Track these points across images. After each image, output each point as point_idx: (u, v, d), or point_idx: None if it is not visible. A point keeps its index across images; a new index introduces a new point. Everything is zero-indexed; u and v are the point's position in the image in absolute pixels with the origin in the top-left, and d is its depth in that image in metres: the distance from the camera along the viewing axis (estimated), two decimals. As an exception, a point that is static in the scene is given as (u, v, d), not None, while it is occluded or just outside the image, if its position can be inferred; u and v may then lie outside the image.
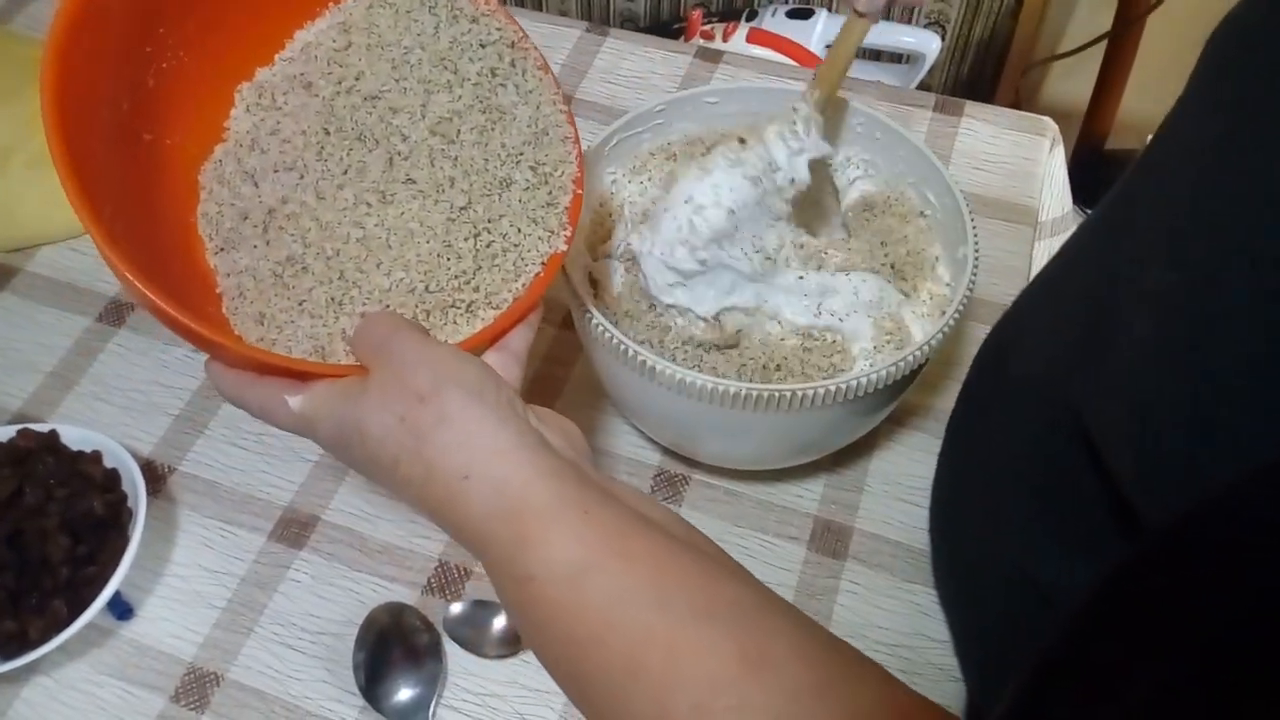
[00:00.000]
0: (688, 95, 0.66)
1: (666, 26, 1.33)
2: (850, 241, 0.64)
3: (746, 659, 0.35)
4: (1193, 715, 0.22)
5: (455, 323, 0.51)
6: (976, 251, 0.58)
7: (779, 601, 0.38)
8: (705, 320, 0.59)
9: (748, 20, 1.21)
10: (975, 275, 0.57)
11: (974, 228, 0.59)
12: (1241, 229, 0.34)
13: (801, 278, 0.60)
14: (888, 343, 0.59)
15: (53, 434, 0.62)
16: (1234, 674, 0.22)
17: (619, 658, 0.36)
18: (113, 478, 0.61)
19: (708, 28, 1.22)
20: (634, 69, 0.88)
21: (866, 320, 0.59)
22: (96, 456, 0.62)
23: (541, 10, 1.00)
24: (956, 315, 0.55)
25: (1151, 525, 0.36)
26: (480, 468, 0.39)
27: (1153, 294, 0.39)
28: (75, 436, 0.62)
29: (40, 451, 0.61)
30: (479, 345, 0.49)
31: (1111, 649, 0.25)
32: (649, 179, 0.66)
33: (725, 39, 1.20)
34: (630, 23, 1.37)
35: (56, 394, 0.70)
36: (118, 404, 0.69)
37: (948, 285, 0.61)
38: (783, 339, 0.59)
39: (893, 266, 0.62)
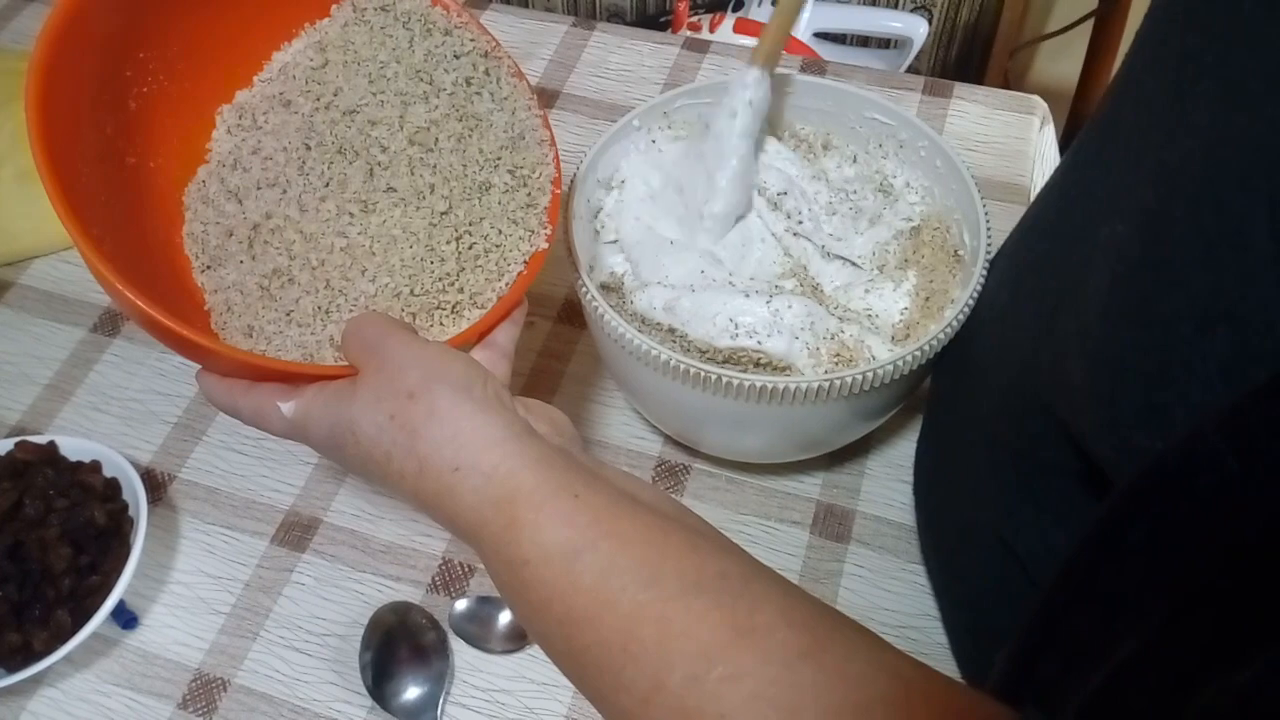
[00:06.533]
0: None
1: (653, 20, 1.33)
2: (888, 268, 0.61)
3: (737, 628, 0.35)
4: (1173, 672, 0.22)
5: (441, 324, 0.51)
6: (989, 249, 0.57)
7: (766, 571, 0.39)
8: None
9: (734, 10, 1.21)
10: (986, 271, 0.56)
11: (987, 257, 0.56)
12: (1189, 176, 0.34)
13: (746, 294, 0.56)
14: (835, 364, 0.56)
15: (51, 445, 0.62)
16: (1207, 625, 0.22)
17: (613, 634, 0.36)
18: (113, 487, 0.61)
19: (694, 19, 1.22)
20: (622, 62, 0.88)
21: (796, 343, 0.55)
22: (96, 466, 0.61)
23: (527, 6, 1.00)
24: (968, 307, 0.54)
25: (1118, 485, 0.36)
26: (470, 459, 0.40)
27: (1107, 248, 0.39)
28: (74, 447, 0.62)
29: (39, 463, 0.61)
30: (466, 342, 0.49)
31: (1091, 613, 0.25)
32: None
33: (712, 30, 1.19)
34: (616, 17, 1.36)
35: (54, 405, 0.70)
36: (115, 414, 0.69)
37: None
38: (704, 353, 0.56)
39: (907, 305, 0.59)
